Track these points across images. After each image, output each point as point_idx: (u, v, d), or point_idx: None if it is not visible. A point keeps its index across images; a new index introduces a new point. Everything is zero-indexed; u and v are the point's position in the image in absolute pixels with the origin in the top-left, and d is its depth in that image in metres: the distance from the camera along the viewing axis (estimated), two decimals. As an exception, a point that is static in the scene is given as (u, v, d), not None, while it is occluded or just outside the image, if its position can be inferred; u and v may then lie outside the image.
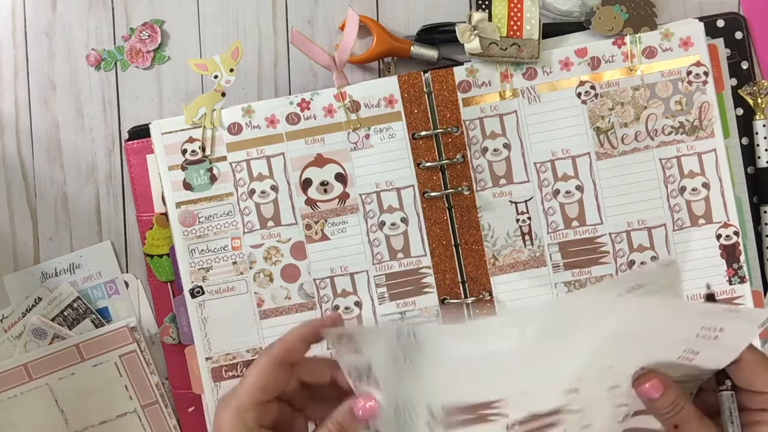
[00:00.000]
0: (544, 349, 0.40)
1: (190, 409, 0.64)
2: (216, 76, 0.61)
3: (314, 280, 0.62)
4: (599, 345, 0.41)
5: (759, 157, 0.61)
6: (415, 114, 0.60)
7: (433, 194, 0.60)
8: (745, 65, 0.61)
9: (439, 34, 0.62)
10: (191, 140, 0.62)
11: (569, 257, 0.60)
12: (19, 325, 0.64)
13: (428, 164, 0.60)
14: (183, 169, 0.62)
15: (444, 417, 0.41)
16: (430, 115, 0.61)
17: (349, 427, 0.43)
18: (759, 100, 0.61)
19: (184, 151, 0.62)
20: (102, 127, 0.65)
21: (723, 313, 0.41)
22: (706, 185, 0.60)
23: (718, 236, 0.60)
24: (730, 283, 0.60)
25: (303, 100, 0.61)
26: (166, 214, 0.62)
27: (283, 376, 0.45)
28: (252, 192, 0.62)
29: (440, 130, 0.60)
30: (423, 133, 0.60)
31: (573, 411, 0.44)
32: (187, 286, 0.62)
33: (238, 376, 0.62)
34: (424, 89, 0.60)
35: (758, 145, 0.61)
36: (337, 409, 0.44)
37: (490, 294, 0.61)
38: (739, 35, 0.61)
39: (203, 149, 0.61)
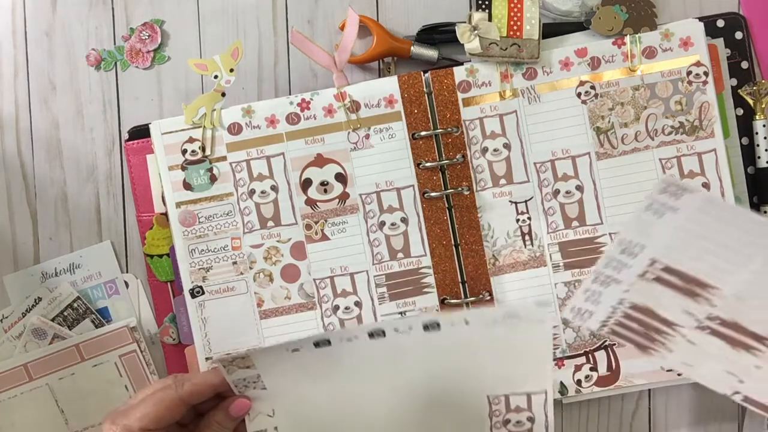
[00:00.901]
0: None
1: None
2: (216, 76, 0.61)
3: (314, 280, 0.62)
4: None
5: (759, 157, 0.61)
6: (415, 114, 0.60)
7: (433, 194, 0.60)
8: (745, 65, 0.61)
9: (439, 34, 0.62)
10: (191, 140, 0.62)
11: (569, 257, 0.60)
12: (19, 325, 0.64)
13: (428, 164, 0.60)
14: (183, 169, 0.62)
15: (660, 272, 0.45)
16: (430, 115, 0.60)
17: (225, 425, 0.50)
18: (759, 100, 0.61)
19: (184, 151, 0.62)
20: (102, 127, 0.65)
21: None
22: (706, 185, 0.60)
23: (718, 236, 0.60)
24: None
25: (303, 100, 0.61)
26: (166, 214, 0.62)
27: (182, 411, 0.48)
28: (252, 192, 0.62)
29: (440, 130, 0.60)
30: (423, 133, 0.60)
31: None
32: (187, 286, 0.62)
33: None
34: (424, 89, 0.60)
35: (758, 145, 0.61)
36: (214, 411, 0.50)
37: (491, 294, 0.61)
38: (739, 35, 0.61)
39: (203, 149, 0.61)
